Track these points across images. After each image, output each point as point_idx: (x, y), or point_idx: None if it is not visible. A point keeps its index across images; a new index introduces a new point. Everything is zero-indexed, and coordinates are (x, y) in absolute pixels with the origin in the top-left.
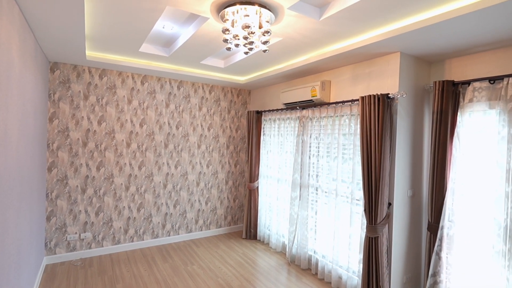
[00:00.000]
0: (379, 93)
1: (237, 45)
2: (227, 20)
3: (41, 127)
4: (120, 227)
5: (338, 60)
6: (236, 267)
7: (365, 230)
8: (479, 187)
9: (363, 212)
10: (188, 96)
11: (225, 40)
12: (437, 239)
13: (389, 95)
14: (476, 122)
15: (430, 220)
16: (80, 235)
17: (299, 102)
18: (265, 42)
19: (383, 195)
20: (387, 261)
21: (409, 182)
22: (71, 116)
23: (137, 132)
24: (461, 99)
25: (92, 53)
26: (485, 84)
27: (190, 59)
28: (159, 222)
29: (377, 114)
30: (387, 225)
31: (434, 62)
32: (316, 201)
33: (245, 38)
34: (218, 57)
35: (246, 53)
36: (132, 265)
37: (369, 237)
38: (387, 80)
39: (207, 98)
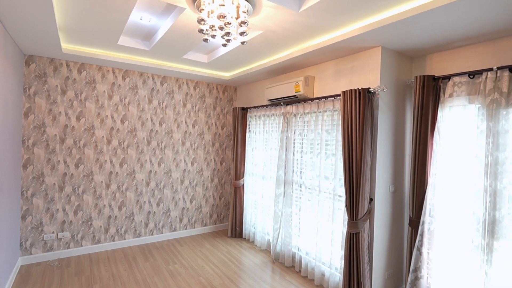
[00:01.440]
0: (360, 88)
1: (213, 36)
2: (203, 10)
3: (14, 122)
4: (101, 226)
5: (321, 55)
6: (219, 266)
7: (347, 226)
8: (459, 182)
9: (345, 208)
10: (172, 92)
11: (201, 31)
12: (418, 235)
13: (370, 90)
14: (456, 116)
15: (411, 215)
16: (57, 234)
17: (283, 98)
18: (242, 33)
19: (364, 191)
20: (369, 257)
21: (391, 178)
22: (48, 112)
23: (118, 129)
24: (441, 94)
25: (68, 46)
26: (465, 78)
27: (172, 53)
28: (141, 221)
29: (358, 108)
30: (368, 220)
31: (416, 57)
32: (300, 198)
33: (221, 28)
34: (201, 52)
35: (224, 45)
36: (111, 265)
37: (350, 233)
38: (369, 75)
39: (191, 95)
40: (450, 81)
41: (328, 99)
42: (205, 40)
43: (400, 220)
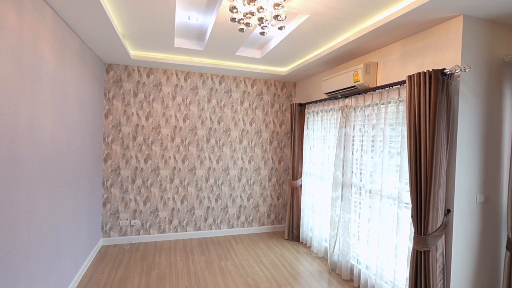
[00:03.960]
0: (430, 70)
1: (247, 25)
2: None
3: (94, 122)
4: (165, 217)
5: (382, 36)
6: (270, 269)
7: (412, 241)
8: None
9: (411, 219)
10: (229, 91)
11: (233, 20)
12: None
13: (445, 71)
14: None
15: (510, 235)
16: (130, 221)
17: (341, 90)
18: (276, 17)
19: (437, 199)
20: (444, 283)
21: (480, 184)
22: (123, 112)
23: (180, 127)
24: None
25: (136, 52)
26: None
27: (223, 50)
28: (201, 215)
29: (429, 96)
30: (443, 237)
31: None
32: (360, 202)
33: (252, 14)
34: (253, 47)
35: (261, 33)
36: (171, 255)
37: (417, 251)
38: (446, 53)
39: (249, 92)
40: None
41: (393, 87)
42: (241, 30)
43: (493, 240)
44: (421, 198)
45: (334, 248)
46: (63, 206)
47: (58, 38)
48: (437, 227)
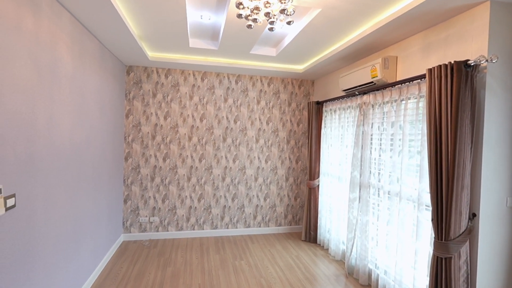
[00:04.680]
0: (453, 61)
1: (255, 20)
2: None
3: (114, 122)
4: (183, 215)
5: (401, 27)
6: (284, 270)
7: (433, 247)
8: None
9: (431, 223)
10: (246, 90)
11: (240, 16)
12: None
13: (468, 62)
14: None
15: None
16: (149, 218)
17: (358, 86)
18: (283, 11)
19: (460, 202)
20: None
21: (510, 187)
22: (143, 112)
23: (197, 127)
24: None
25: (154, 54)
26: None
27: (238, 49)
28: (218, 214)
29: (450, 90)
30: (467, 243)
31: None
32: (378, 204)
33: (258, 9)
34: (267, 45)
35: (270, 29)
36: (187, 252)
37: (438, 257)
38: (471, 43)
39: (265, 91)
40: None
41: (413, 82)
42: (249, 26)
43: None
44: (442, 200)
45: (351, 252)
46: (82, 202)
47: (76, 41)
48: (461, 232)
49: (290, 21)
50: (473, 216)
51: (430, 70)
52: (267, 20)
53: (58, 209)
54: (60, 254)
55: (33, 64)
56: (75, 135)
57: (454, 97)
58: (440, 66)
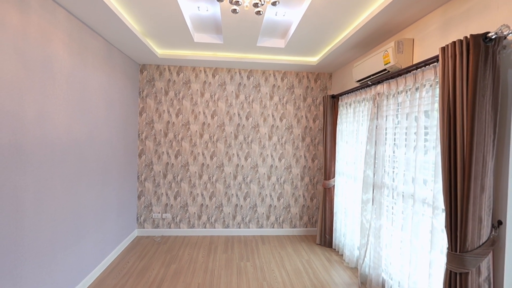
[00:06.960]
0: (469, 35)
1: (237, 3)
2: None
3: (127, 119)
4: (195, 213)
5: (415, 3)
6: (291, 275)
7: (446, 260)
8: None
9: (445, 230)
10: (258, 85)
11: (221, 0)
12: None
13: (489, 35)
14: None
15: None
16: (162, 214)
17: (371, 75)
18: None
19: (479, 206)
20: None
21: None
22: (155, 110)
23: (208, 124)
24: None
25: (162, 51)
26: None
27: (243, 41)
28: (229, 213)
29: (466, 70)
30: (489, 257)
31: None
32: (393, 207)
33: None
34: (274, 37)
35: (257, 12)
36: (195, 250)
37: (451, 272)
38: (497, 14)
39: (279, 86)
40: None
41: (429, 66)
42: (233, 11)
43: None
44: (456, 203)
45: (364, 259)
46: (84, 196)
47: (74, 38)
48: (480, 243)
49: (275, 1)
50: (498, 224)
51: (443, 49)
52: (252, 3)
53: (54, 201)
54: (55, 245)
55: (19, 58)
56: (73, 130)
57: (471, 78)
58: (454, 42)
